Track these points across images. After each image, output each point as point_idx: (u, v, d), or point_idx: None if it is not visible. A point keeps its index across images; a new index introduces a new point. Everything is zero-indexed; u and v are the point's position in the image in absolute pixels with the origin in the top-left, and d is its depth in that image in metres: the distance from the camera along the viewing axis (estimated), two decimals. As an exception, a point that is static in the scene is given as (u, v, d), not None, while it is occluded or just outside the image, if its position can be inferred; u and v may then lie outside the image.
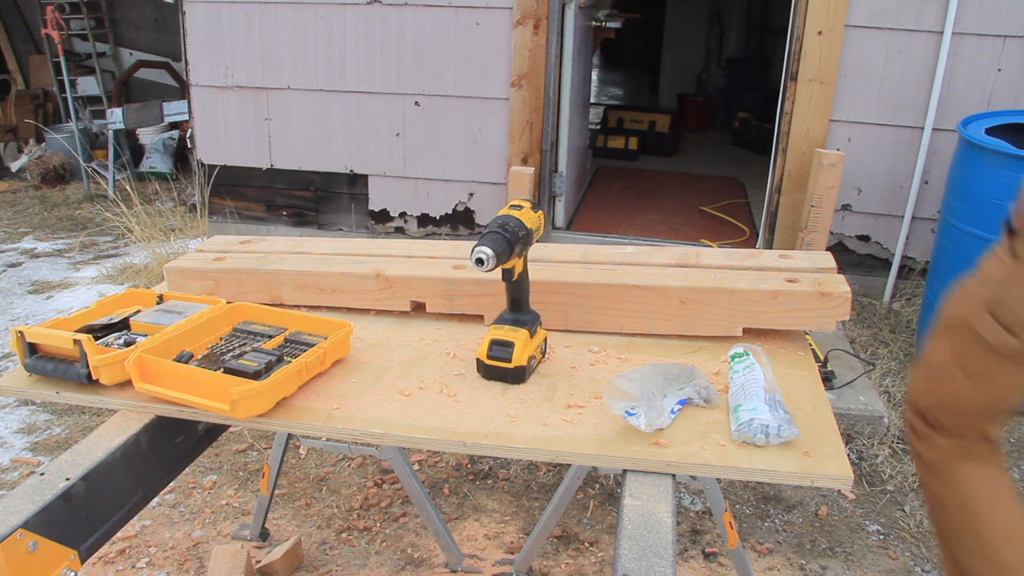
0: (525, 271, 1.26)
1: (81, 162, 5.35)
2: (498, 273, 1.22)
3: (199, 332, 1.29)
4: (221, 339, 1.30)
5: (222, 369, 1.17)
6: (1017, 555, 1.25)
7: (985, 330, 1.21)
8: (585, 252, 1.54)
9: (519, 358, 1.23)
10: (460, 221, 3.88)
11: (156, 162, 5.71)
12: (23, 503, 1.01)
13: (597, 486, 2.33)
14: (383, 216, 3.97)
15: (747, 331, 1.36)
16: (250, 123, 3.95)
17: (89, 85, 6.19)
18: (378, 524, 2.15)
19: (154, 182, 5.30)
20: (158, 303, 1.41)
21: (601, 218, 4.25)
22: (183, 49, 3.98)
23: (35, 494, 1.03)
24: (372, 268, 1.49)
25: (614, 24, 4.53)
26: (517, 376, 1.23)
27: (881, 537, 2.13)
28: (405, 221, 3.96)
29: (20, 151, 6.20)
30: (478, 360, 1.26)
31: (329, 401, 1.20)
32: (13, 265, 4.15)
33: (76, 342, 1.20)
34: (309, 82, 3.80)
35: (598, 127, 6.09)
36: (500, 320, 1.28)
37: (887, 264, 3.43)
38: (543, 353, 1.31)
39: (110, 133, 5.26)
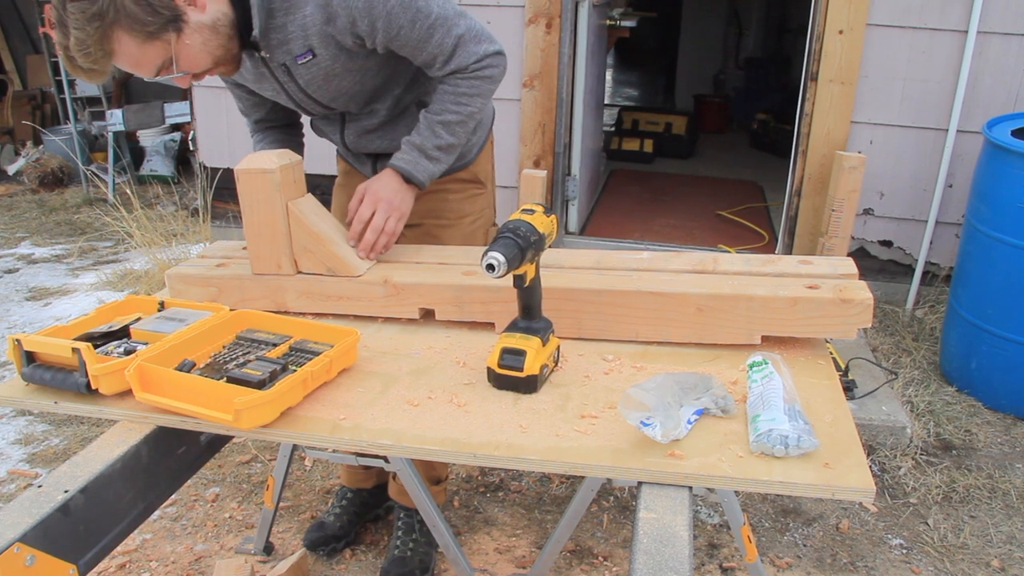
0: (537, 277, 1.23)
1: (80, 165, 5.31)
2: (509, 279, 1.19)
3: (201, 340, 1.27)
4: (224, 347, 1.28)
5: (225, 378, 1.15)
6: None
7: None
8: (599, 258, 1.51)
9: (531, 367, 1.19)
10: (472, 225, 3.85)
11: (157, 165, 5.66)
12: (20, 516, 0.99)
13: (611, 498, 2.28)
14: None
15: (766, 339, 1.32)
16: (254, 125, 3.95)
17: (88, 86, 6.17)
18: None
19: (155, 185, 5.24)
20: (159, 310, 1.39)
21: (615, 223, 4.21)
22: (187, 50, 3.97)
23: (33, 507, 1.01)
24: (379, 274, 1.47)
25: (629, 23, 4.48)
26: (529, 385, 1.20)
27: (904, 551, 2.07)
28: (416, 225, 3.93)
29: (17, 153, 6.14)
30: (489, 369, 1.23)
31: (335, 411, 1.17)
32: (10, 271, 4.12)
33: (75, 350, 1.17)
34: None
35: (612, 129, 6.05)
36: (511, 328, 1.25)
37: (910, 270, 3.37)
38: (556, 362, 1.28)
39: (110, 135, 5.21)
